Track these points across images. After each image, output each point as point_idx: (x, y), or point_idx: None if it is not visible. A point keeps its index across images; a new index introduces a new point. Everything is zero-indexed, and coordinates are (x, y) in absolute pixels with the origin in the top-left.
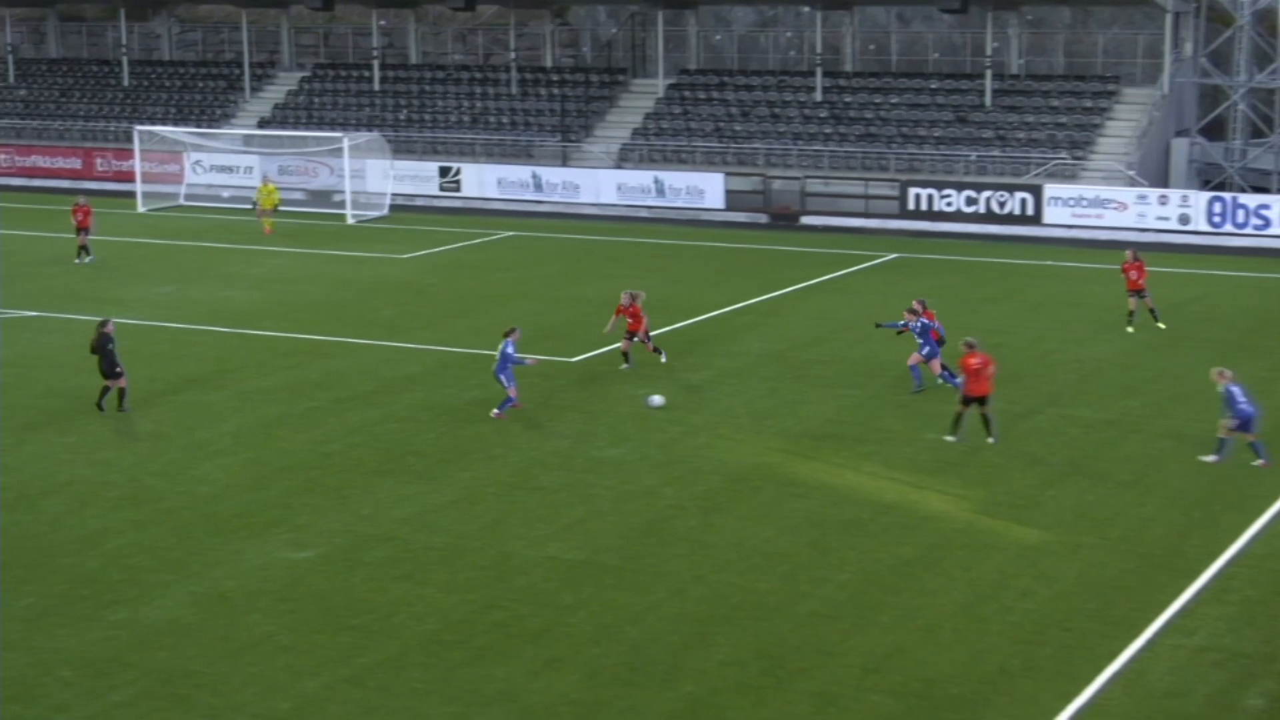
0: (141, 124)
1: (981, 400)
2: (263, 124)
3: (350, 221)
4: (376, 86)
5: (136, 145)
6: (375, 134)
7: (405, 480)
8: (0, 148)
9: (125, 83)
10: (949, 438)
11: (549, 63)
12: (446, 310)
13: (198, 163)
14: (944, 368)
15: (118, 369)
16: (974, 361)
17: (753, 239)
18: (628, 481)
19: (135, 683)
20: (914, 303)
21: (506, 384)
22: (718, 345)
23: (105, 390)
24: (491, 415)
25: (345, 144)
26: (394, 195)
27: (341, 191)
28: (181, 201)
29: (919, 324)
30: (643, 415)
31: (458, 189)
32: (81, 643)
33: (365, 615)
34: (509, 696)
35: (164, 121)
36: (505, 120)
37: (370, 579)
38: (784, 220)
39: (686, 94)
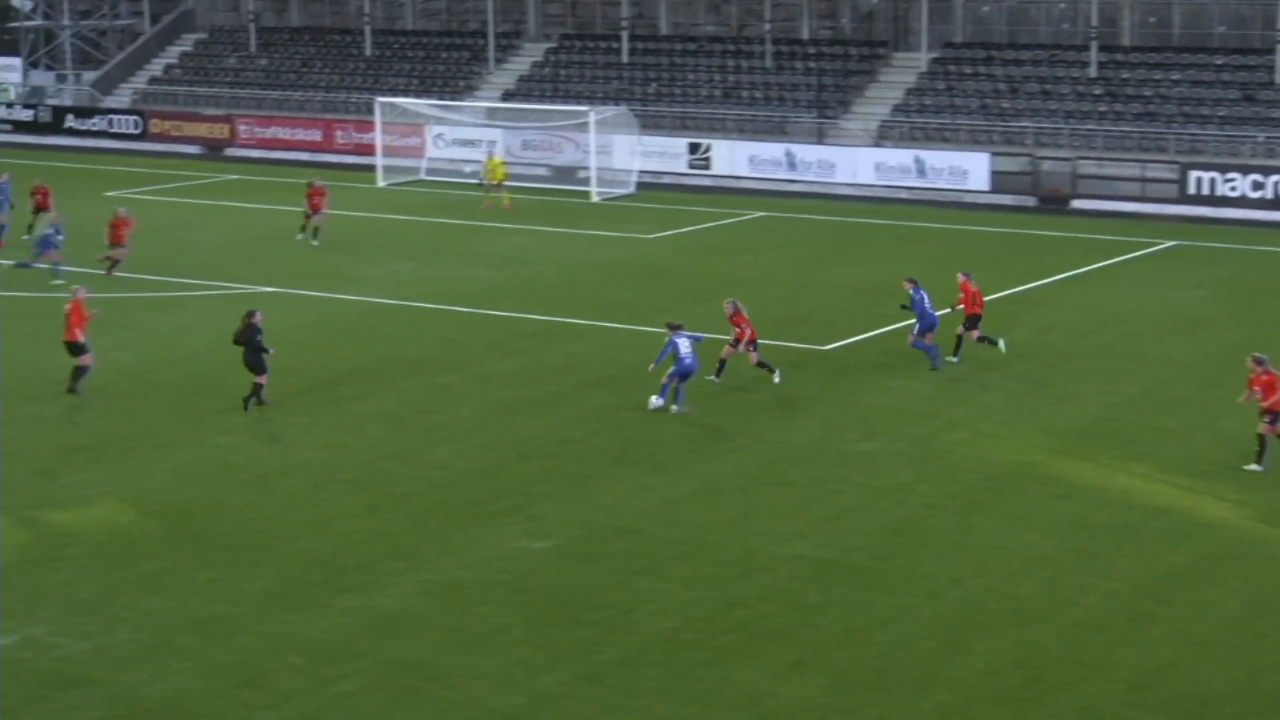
0: (383, 95)
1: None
2: (507, 96)
3: (594, 200)
4: (625, 58)
5: (378, 117)
6: (622, 108)
7: (647, 470)
8: (240, 119)
9: (367, 53)
10: (1254, 467)
11: (805, 34)
12: (693, 294)
13: (439, 136)
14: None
15: (265, 363)
16: (1264, 379)
17: (1019, 223)
18: (880, 477)
19: (365, 672)
20: (907, 285)
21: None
22: None
23: (257, 388)
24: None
25: (591, 118)
26: (640, 172)
27: (586, 168)
28: (422, 176)
29: (920, 295)
30: (897, 408)
31: (707, 166)
32: (312, 629)
33: (603, 610)
34: (751, 699)
35: (406, 93)
36: (758, 95)
37: (609, 572)
38: (1053, 204)
39: (951, 68)
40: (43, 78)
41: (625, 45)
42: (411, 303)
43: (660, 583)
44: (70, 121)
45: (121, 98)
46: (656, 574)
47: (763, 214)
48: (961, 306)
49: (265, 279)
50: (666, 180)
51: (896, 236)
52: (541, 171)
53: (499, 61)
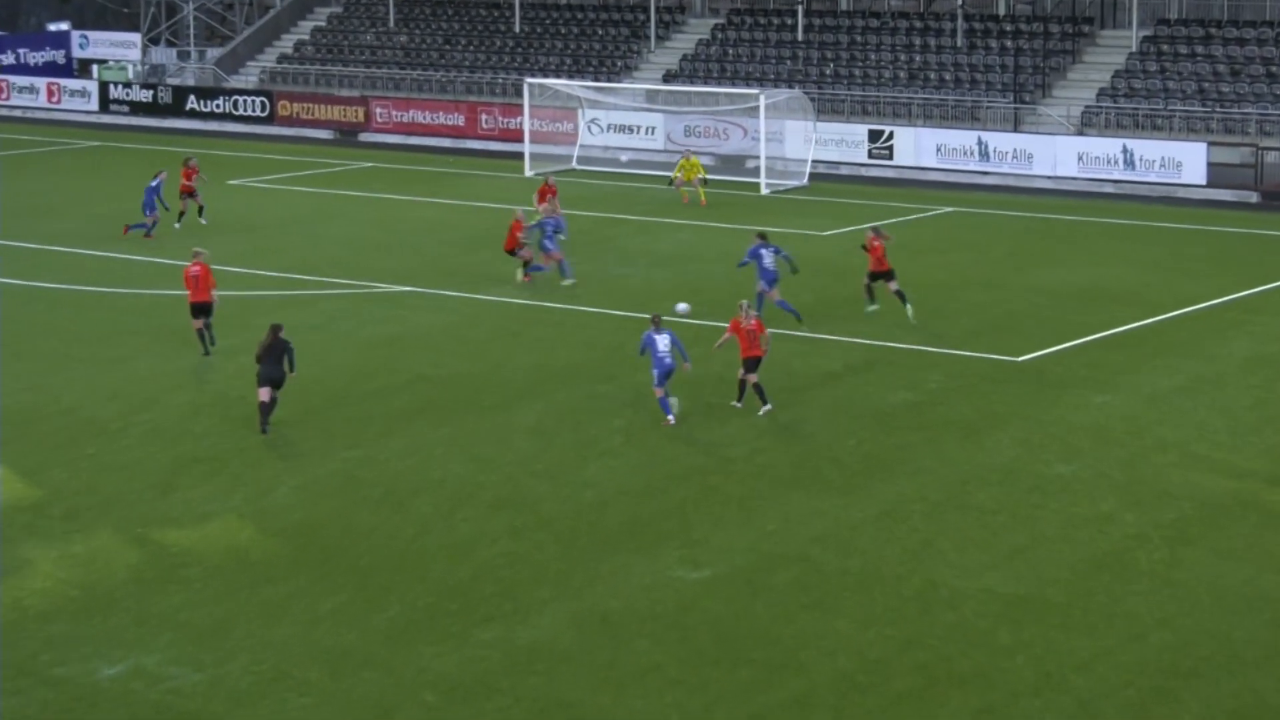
0: (532, 76)
1: None
2: (668, 78)
3: (764, 192)
4: (800, 36)
5: (526, 100)
6: (796, 91)
7: (819, 493)
8: (377, 101)
9: (516, 29)
10: None
11: (1002, 10)
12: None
13: (594, 121)
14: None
15: (282, 380)
16: None
17: (1239, 221)
18: (1079, 504)
19: (505, 711)
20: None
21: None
22: (1194, 347)
23: (270, 407)
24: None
25: (762, 102)
26: (815, 162)
27: (755, 157)
28: (574, 165)
29: (763, 251)
30: (1100, 427)
31: (889, 156)
32: (448, 663)
33: (767, 648)
34: None
35: (558, 74)
36: (948, 77)
37: (774, 606)
38: (1278, 200)
39: (1164, 48)
40: (163, 55)
41: (800, 22)
42: (562, 305)
43: (831, 618)
44: (192, 103)
45: (248, 77)
46: (827, 609)
47: (950, 209)
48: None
49: (402, 277)
50: (843, 171)
51: (1101, 235)
52: (706, 161)
53: (661, 39)
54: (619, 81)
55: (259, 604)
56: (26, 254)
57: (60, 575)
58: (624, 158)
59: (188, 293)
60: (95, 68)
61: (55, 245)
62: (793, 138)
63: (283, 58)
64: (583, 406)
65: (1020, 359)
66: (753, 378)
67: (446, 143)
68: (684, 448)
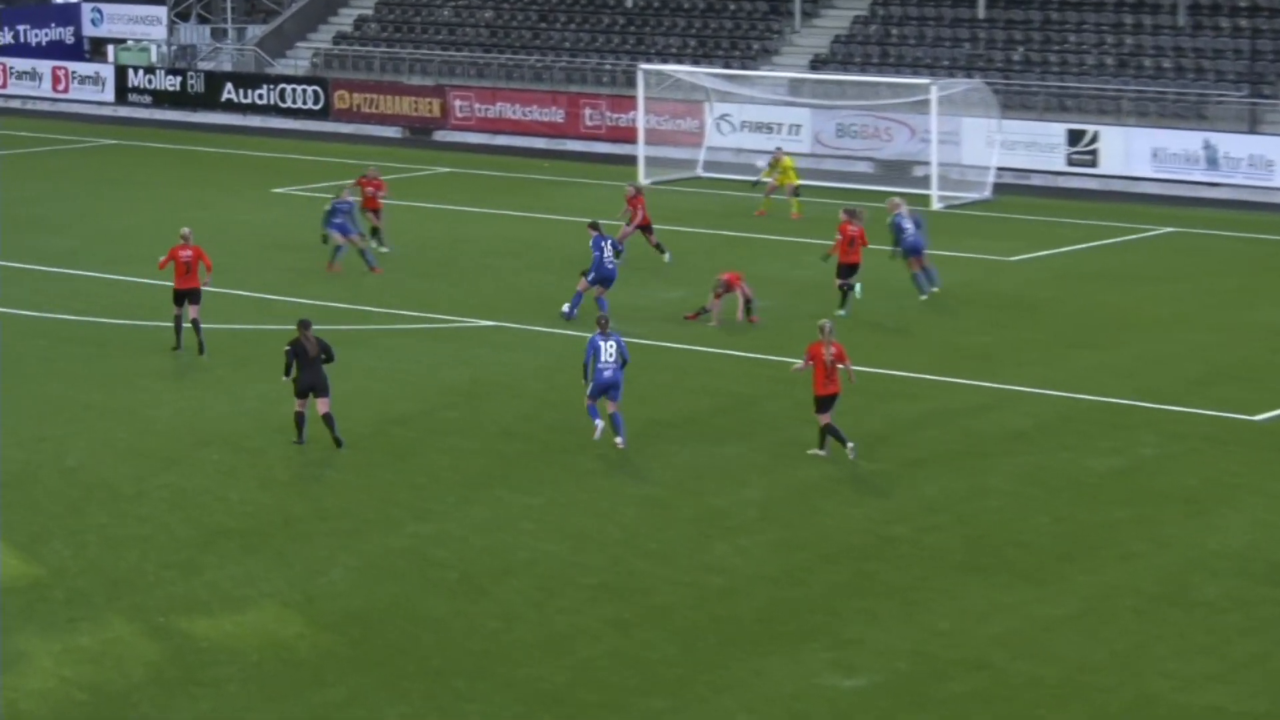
0: (649, 62)
1: None
2: (816, 65)
3: (936, 206)
4: (980, 14)
5: (640, 92)
6: (976, 82)
7: (1003, 582)
8: (456, 91)
9: (629, 3)
10: None
11: None
12: (1070, 338)
13: (724, 118)
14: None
15: (326, 386)
16: None
17: None
18: None
19: None
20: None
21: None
22: None
23: (329, 422)
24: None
25: (934, 95)
26: (1000, 170)
27: (925, 163)
28: (699, 173)
29: (605, 241)
30: None
31: (1093, 163)
32: None
33: None
34: None
35: (679, 59)
36: (1167, 65)
37: None
38: None
39: None
40: (194, 34)
41: None
42: (679, 345)
43: None
44: (229, 93)
45: (298, 61)
46: None
47: (1171, 229)
48: (834, 255)
49: (483, 309)
50: (1035, 181)
51: None
52: (863, 168)
53: (807, 17)
54: (755, 69)
55: (308, 713)
56: (24, 277)
57: (64, 673)
58: (761, 164)
59: (175, 277)
60: (111, 49)
61: (59, 267)
62: (972, 139)
63: (340, 37)
64: (706, 470)
65: (1257, 418)
66: (825, 418)
67: (541, 143)
68: (833, 523)
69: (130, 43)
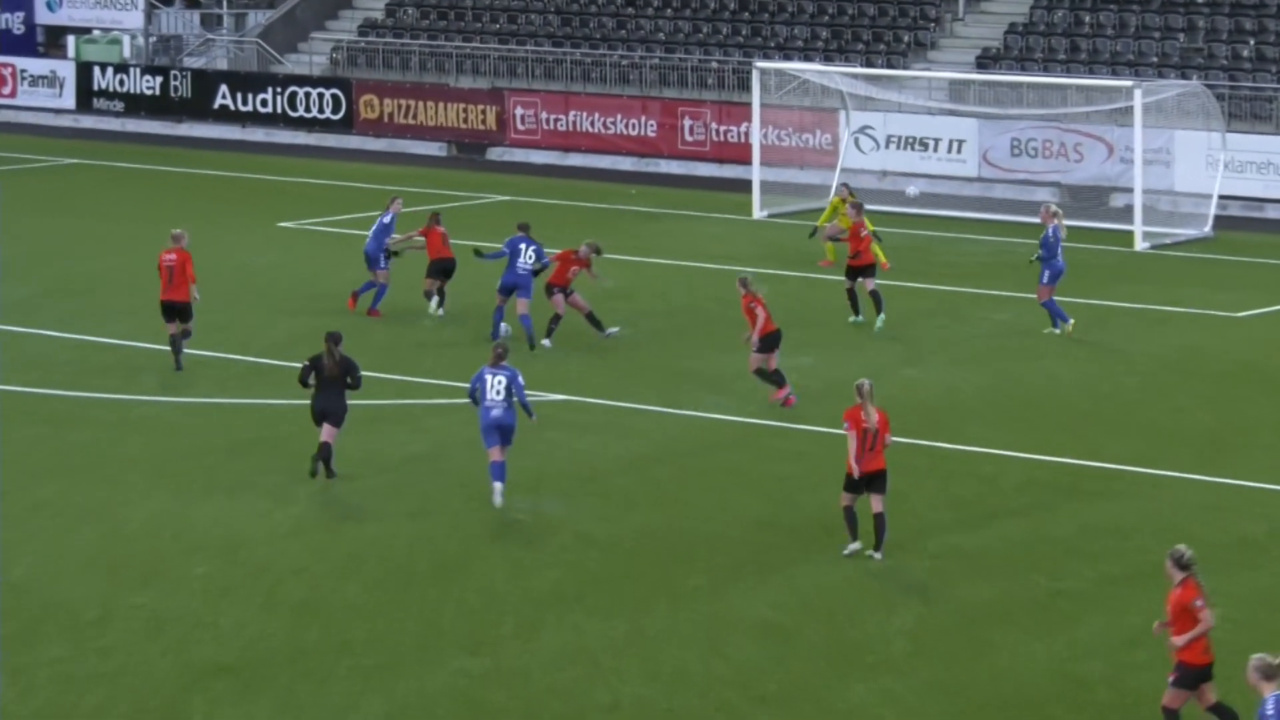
0: (766, 59)
1: None
2: (984, 63)
3: (1140, 246)
4: None
5: (756, 96)
6: (1194, 84)
7: None
8: (517, 96)
9: None
10: None
11: None
12: None
13: (864, 131)
14: None
15: (343, 415)
16: None
17: None
18: None
19: None
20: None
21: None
22: None
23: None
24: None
25: (1137, 100)
26: (1224, 200)
27: (1128, 190)
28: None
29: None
30: None
31: None
32: None
33: None
34: None
35: (805, 55)
36: None
37: None
38: None
39: None
40: (179, 22)
41: None
42: (808, 425)
43: None
44: (223, 98)
45: (313, 57)
46: None
47: None
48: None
49: (549, 378)
50: (1271, 213)
51: None
52: (1044, 195)
53: (973, 2)
54: (905, 68)
55: None
56: None
57: None
58: (912, 190)
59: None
60: (71, 40)
61: (8, 324)
62: (1188, 159)
63: (368, 26)
64: (842, 590)
65: None
66: (878, 504)
67: (627, 164)
68: (1007, 661)
69: (96, 33)
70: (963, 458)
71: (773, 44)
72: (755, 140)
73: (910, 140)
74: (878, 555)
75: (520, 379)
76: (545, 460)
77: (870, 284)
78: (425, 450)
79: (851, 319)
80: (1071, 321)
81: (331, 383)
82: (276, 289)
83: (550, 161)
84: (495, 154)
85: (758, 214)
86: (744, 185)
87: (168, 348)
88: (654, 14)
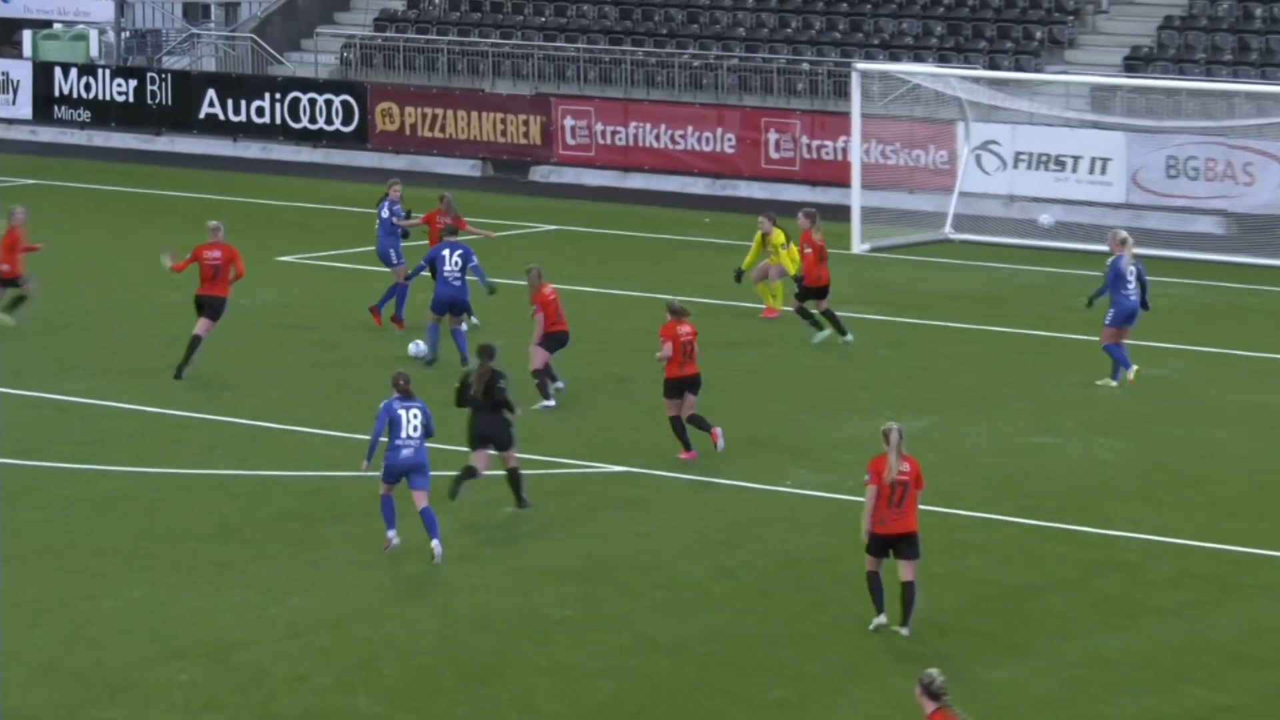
0: (868, 60)
1: None
2: (1135, 64)
3: None
4: None
5: (856, 105)
6: None
7: None
8: (566, 104)
9: None
10: None
11: None
12: None
13: (987, 146)
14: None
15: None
16: None
17: None
18: None
19: None
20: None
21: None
22: None
23: (517, 477)
24: None
25: None
26: None
27: None
28: (947, 233)
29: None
30: None
31: None
32: None
33: None
34: None
35: (914, 55)
36: None
37: None
38: None
39: None
40: (158, 14)
41: None
42: (934, 508)
43: None
44: (211, 105)
45: (319, 56)
46: None
47: None
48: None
49: (608, 448)
50: None
51: None
52: (1207, 226)
53: None
54: (1037, 70)
55: None
56: None
57: None
58: (1046, 220)
59: (200, 281)
60: (27, 36)
61: None
62: None
63: (385, 19)
64: (957, 704)
65: None
66: (908, 571)
67: (700, 185)
68: None
69: (58, 27)
70: (1105, 544)
71: (876, 41)
72: (855, 158)
73: (1044, 158)
74: (905, 631)
75: (429, 412)
76: (596, 544)
77: (823, 305)
78: (451, 528)
79: (842, 339)
80: (1135, 368)
81: (486, 404)
82: (273, 337)
83: (606, 183)
84: (539, 174)
85: (857, 247)
86: (842, 212)
87: (142, 407)
88: (732, 4)
